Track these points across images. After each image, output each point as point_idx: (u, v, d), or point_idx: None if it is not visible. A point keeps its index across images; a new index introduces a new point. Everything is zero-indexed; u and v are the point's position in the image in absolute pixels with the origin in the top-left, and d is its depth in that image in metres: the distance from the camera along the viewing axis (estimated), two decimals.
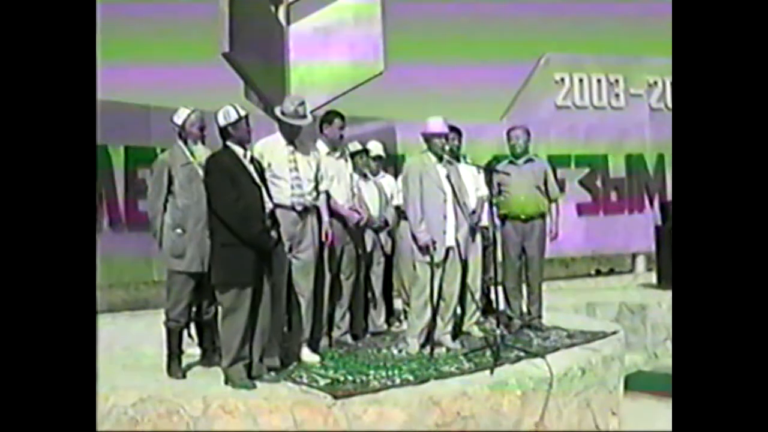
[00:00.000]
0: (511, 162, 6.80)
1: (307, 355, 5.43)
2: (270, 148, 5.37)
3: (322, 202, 5.61)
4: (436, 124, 5.88)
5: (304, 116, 5.47)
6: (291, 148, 5.43)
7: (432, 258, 5.63)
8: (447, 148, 6.17)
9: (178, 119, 5.30)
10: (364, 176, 6.63)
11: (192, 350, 5.52)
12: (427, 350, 5.59)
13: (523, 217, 6.66)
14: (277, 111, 5.46)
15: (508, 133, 6.94)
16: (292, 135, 5.45)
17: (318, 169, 5.58)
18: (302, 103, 5.47)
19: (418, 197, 5.74)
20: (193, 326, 5.49)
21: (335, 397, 4.40)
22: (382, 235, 6.70)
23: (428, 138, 5.89)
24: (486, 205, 6.40)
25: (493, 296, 7.21)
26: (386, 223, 6.68)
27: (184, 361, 5.29)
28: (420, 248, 5.70)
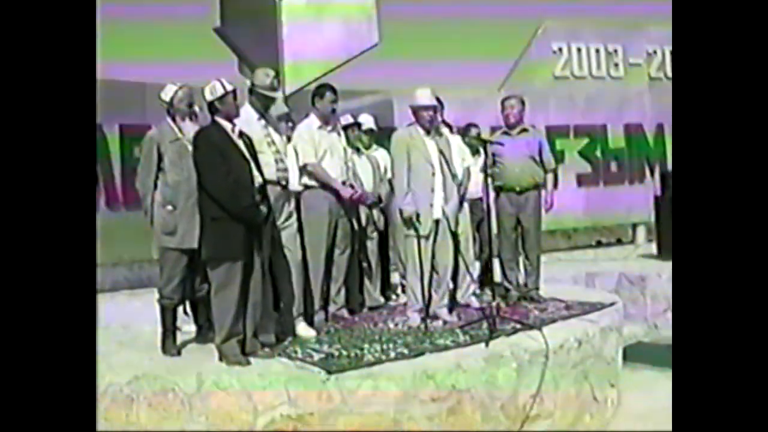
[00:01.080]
0: (505, 132, 6.73)
1: (303, 329, 5.42)
2: (244, 123, 5.17)
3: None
4: (424, 96, 5.80)
5: (277, 89, 5.42)
6: (263, 122, 5.35)
7: (417, 230, 5.60)
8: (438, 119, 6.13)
9: (166, 96, 5.26)
10: (357, 150, 6.57)
11: (188, 327, 5.52)
12: (427, 323, 5.57)
13: (517, 189, 6.61)
14: (249, 84, 5.38)
15: (502, 103, 6.85)
16: (265, 108, 5.37)
17: (294, 145, 5.52)
18: (276, 76, 5.41)
19: (404, 170, 5.71)
20: (188, 303, 5.48)
21: (329, 372, 4.37)
22: (375, 211, 6.65)
23: (416, 110, 5.82)
24: (475, 176, 6.34)
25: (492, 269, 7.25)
26: (380, 199, 6.63)
27: (180, 338, 5.29)
28: (404, 221, 5.67)
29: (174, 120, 5.23)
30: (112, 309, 7.25)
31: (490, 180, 6.20)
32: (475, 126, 7.50)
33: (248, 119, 5.22)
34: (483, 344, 4.96)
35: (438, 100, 6.43)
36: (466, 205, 6.21)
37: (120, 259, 9.79)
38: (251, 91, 5.32)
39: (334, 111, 5.99)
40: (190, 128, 5.15)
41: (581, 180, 12.50)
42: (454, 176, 5.86)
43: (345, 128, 6.44)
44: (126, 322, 6.40)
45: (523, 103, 6.79)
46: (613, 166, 12.88)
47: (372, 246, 6.69)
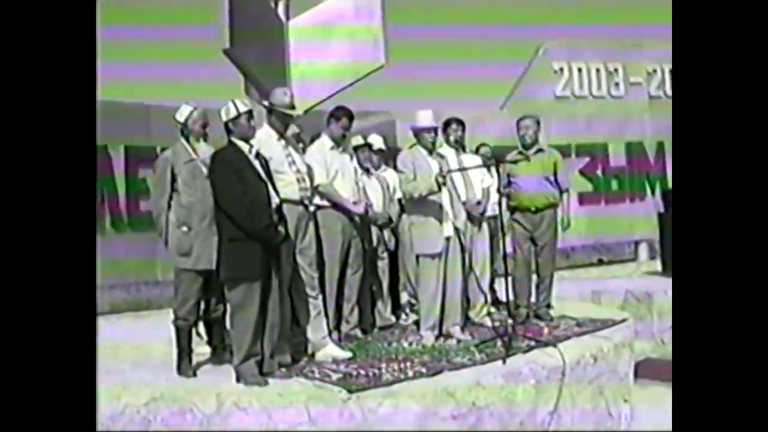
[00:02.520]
0: (520, 152, 6.73)
1: (335, 350, 5.39)
2: (264, 143, 5.25)
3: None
4: (426, 119, 5.86)
5: (295, 107, 5.45)
6: (283, 142, 5.39)
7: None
8: (449, 139, 6.18)
9: (181, 116, 5.27)
10: (367, 171, 6.60)
11: (201, 349, 5.50)
12: (439, 342, 5.58)
13: (533, 209, 6.61)
14: (267, 103, 5.42)
15: (517, 123, 6.84)
16: (284, 127, 5.40)
17: (309, 166, 5.56)
18: (292, 95, 5.45)
19: (411, 170, 5.74)
20: (201, 324, 5.47)
21: (350, 391, 4.37)
22: (386, 231, 6.67)
23: (418, 132, 5.87)
24: (494, 196, 6.37)
25: (496, 287, 7.27)
26: (390, 219, 6.64)
27: (194, 360, 5.27)
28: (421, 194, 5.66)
29: (188, 140, 5.25)
30: (119, 330, 7.24)
31: (505, 200, 6.22)
32: (486, 145, 7.53)
33: (268, 139, 5.26)
34: (500, 362, 4.97)
35: (459, 120, 6.49)
36: (485, 225, 6.25)
37: (123, 280, 9.78)
38: (270, 110, 5.35)
39: (344, 135, 6.03)
40: (203, 149, 5.17)
41: (583, 199, 12.53)
42: (459, 196, 5.90)
43: (355, 149, 6.48)
44: (136, 344, 6.37)
45: (538, 123, 6.79)
46: (615, 185, 12.92)
47: (383, 266, 6.69)
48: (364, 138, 6.71)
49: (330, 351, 5.35)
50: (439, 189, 5.61)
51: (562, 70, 12.64)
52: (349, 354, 5.34)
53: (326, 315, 5.63)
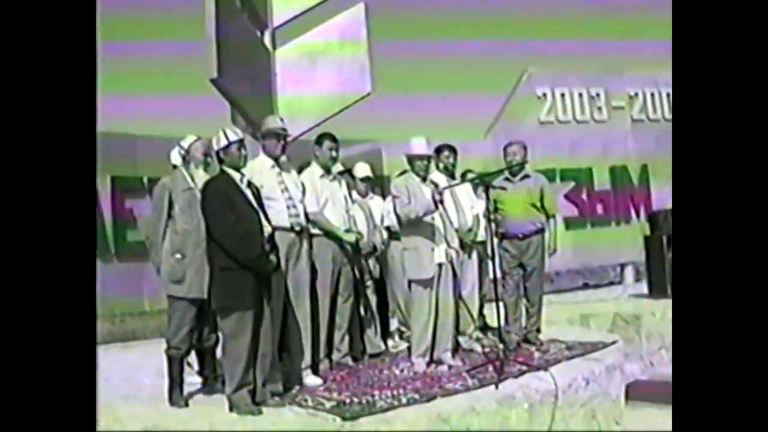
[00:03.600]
0: (507, 179, 6.76)
1: (310, 379, 5.40)
2: (258, 171, 5.33)
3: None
4: (420, 146, 5.88)
5: (286, 131, 5.52)
6: (277, 169, 5.44)
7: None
8: (439, 165, 6.21)
9: (185, 144, 5.34)
10: (352, 199, 6.62)
11: (191, 378, 5.47)
12: (431, 369, 5.58)
13: (520, 235, 6.63)
14: (263, 130, 5.49)
15: (504, 149, 6.88)
16: (278, 153, 5.46)
17: (303, 191, 5.58)
18: (283, 120, 5.54)
19: (407, 195, 5.75)
20: (193, 354, 5.45)
21: (344, 419, 4.37)
22: (371, 260, 6.68)
23: (411, 159, 5.90)
24: (483, 222, 6.40)
25: (485, 312, 7.28)
26: (374, 248, 6.65)
27: (185, 390, 5.23)
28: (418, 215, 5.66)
29: (188, 168, 5.28)
30: (107, 362, 7.17)
31: (493, 225, 6.24)
32: (471, 171, 7.58)
33: (262, 166, 5.33)
34: (492, 387, 4.98)
35: (451, 147, 6.53)
36: (474, 252, 6.27)
37: (110, 312, 9.70)
38: (264, 136, 5.42)
39: (335, 159, 6.05)
40: (202, 178, 5.18)
41: (568, 223, 12.58)
42: (451, 222, 5.92)
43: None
44: (125, 376, 6.33)
45: (525, 149, 6.82)
46: (600, 209, 12.99)
47: (370, 293, 6.69)
48: (344, 166, 6.73)
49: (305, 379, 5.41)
50: (436, 207, 5.63)
51: (545, 95, 12.74)
52: (319, 381, 5.38)
53: (315, 342, 5.63)
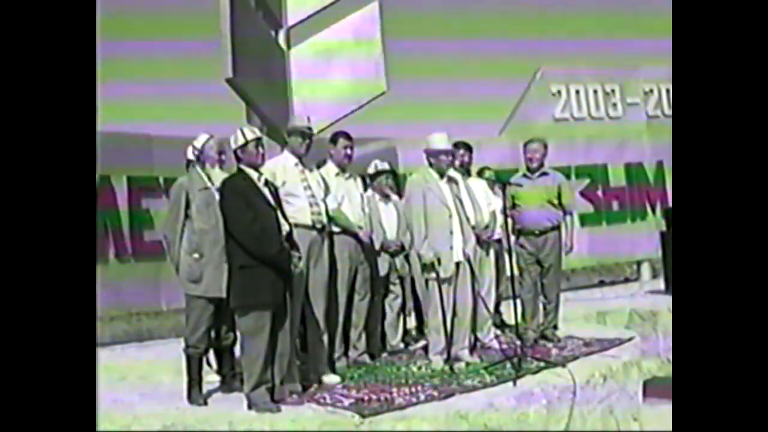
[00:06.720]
0: (524, 175, 6.77)
1: (328, 377, 5.41)
2: (281, 167, 5.38)
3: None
4: (441, 141, 5.86)
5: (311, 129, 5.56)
6: (300, 167, 5.47)
7: (438, 274, 5.61)
8: (455, 163, 6.19)
9: (198, 143, 5.34)
10: (386, 197, 6.61)
11: (210, 377, 5.49)
12: (448, 366, 5.58)
13: (536, 232, 6.63)
14: (288, 127, 5.54)
15: (524, 147, 6.88)
16: (303, 152, 5.49)
17: (327, 189, 5.59)
18: (310, 119, 5.58)
19: (422, 214, 5.72)
20: (211, 352, 5.47)
21: (362, 416, 4.38)
22: (398, 259, 6.64)
23: (431, 155, 5.88)
24: (500, 219, 6.39)
25: (502, 309, 7.27)
26: (402, 247, 6.59)
27: (203, 388, 5.25)
28: (424, 266, 5.69)
29: (203, 168, 5.30)
30: (124, 361, 7.23)
31: (510, 221, 6.23)
32: (489, 168, 7.58)
33: (285, 164, 5.38)
34: (511, 384, 4.98)
35: (466, 144, 6.53)
36: (492, 248, 6.26)
37: (127, 311, 9.75)
38: (289, 134, 5.47)
39: (350, 157, 6.06)
40: (219, 176, 5.20)
41: (584, 220, 12.53)
42: (468, 219, 5.91)
43: (377, 174, 6.56)
44: (142, 374, 6.37)
45: (545, 146, 6.83)
46: (615, 205, 12.93)
47: (397, 291, 6.69)
48: (390, 165, 6.75)
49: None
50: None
51: (560, 92, 12.67)
52: (337, 379, 5.39)
53: (332, 340, 5.65)
